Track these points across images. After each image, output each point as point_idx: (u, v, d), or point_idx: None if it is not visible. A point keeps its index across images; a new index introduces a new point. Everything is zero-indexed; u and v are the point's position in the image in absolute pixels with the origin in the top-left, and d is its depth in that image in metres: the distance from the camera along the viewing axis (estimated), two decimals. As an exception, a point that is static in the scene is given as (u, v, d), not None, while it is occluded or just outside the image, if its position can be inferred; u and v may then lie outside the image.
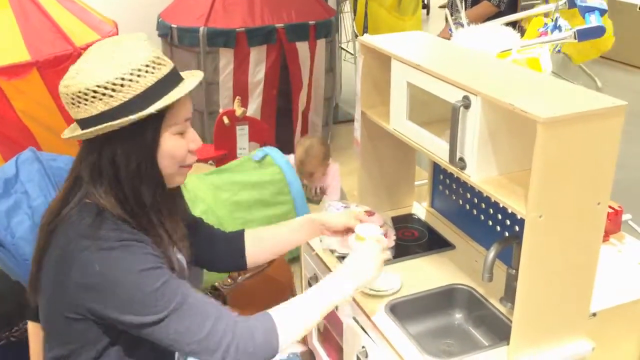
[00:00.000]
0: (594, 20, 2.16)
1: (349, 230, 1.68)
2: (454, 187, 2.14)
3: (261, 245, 1.67)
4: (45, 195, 1.90)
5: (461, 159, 1.59)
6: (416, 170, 2.34)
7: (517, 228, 1.83)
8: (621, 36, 4.24)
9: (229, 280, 2.47)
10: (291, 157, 3.13)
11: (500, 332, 1.68)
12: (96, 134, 1.25)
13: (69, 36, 3.13)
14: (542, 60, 2.09)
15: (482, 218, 1.99)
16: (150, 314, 1.23)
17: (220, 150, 3.51)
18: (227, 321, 1.28)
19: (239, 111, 3.44)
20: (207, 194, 2.68)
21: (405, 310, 1.76)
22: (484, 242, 1.99)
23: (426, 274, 1.91)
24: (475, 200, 2.02)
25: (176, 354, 1.44)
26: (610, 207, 1.98)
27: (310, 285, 2.10)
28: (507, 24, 2.45)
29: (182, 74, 1.35)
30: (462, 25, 2.69)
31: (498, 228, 1.92)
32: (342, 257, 1.94)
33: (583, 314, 1.58)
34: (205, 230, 1.67)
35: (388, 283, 1.82)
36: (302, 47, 4.10)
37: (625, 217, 2.13)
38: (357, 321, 1.80)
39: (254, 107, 4.08)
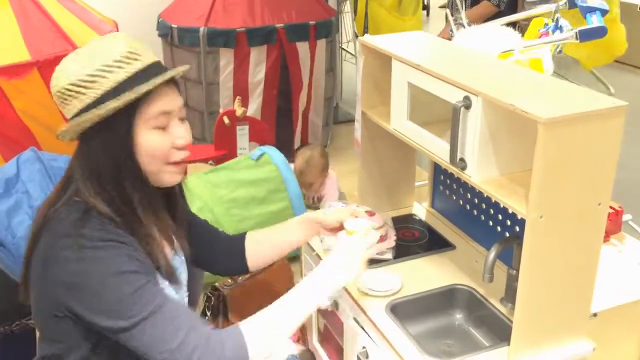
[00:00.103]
0: (595, 21, 2.15)
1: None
2: (455, 188, 2.14)
3: (260, 248, 1.66)
4: (46, 195, 1.88)
5: (462, 159, 1.59)
6: (416, 170, 2.34)
7: (517, 228, 1.83)
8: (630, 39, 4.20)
9: (230, 280, 2.47)
10: (290, 166, 3.14)
11: (500, 332, 1.68)
12: (73, 132, 1.26)
13: (69, 36, 3.13)
14: (545, 61, 2.09)
15: (483, 218, 1.99)
16: (123, 318, 1.20)
17: (221, 150, 3.51)
18: (200, 333, 1.25)
19: (239, 111, 3.44)
20: (203, 191, 2.68)
21: (405, 310, 1.76)
22: (485, 243, 1.99)
23: (426, 274, 1.91)
24: (476, 201, 2.02)
25: None
26: (610, 207, 1.98)
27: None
28: (508, 24, 2.45)
29: (173, 70, 1.33)
30: (463, 26, 2.69)
31: (498, 228, 1.92)
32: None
33: (584, 314, 1.58)
34: (206, 230, 1.66)
35: (388, 283, 1.82)
36: (303, 47, 4.10)
37: (626, 217, 2.13)
38: (357, 321, 1.80)
39: (254, 107, 4.08)
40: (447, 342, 1.79)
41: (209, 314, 2.44)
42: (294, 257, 2.81)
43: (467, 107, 1.52)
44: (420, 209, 2.32)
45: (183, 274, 1.47)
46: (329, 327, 2.12)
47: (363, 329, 1.78)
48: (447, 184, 2.18)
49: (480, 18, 3.64)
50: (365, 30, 5.03)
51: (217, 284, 2.48)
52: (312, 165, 3.21)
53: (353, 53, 5.78)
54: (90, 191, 1.28)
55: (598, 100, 1.42)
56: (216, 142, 3.51)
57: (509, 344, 1.55)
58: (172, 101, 1.30)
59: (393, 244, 2.00)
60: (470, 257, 1.99)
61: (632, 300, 1.77)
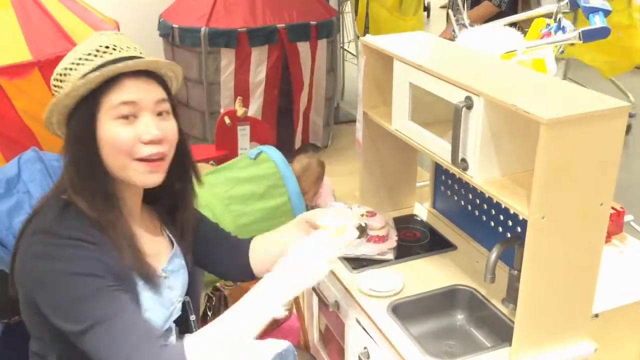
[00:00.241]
0: (598, 21, 2.15)
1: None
2: (456, 188, 2.13)
3: (260, 253, 1.63)
4: (47, 195, 1.89)
5: (463, 160, 1.58)
6: (418, 171, 2.34)
7: (519, 229, 1.83)
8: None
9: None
10: (288, 164, 3.14)
11: (502, 333, 1.68)
12: (56, 125, 1.32)
13: (70, 36, 3.13)
14: (547, 62, 2.09)
15: (484, 219, 1.99)
16: (72, 321, 1.18)
17: (222, 150, 3.51)
18: (150, 348, 1.19)
19: (240, 111, 3.44)
20: (202, 191, 2.68)
21: (407, 311, 1.76)
22: (486, 243, 1.99)
23: (428, 274, 1.91)
24: (477, 201, 2.02)
25: None
26: (612, 208, 1.98)
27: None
28: (509, 24, 2.45)
29: (140, 60, 1.29)
30: (465, 26, 2.69)
31: (500, 229, 1.92)
32: (346, 259, 1.94)
33: (585, 315, 1.58)
34: (210, 231, 1.66)
35: (390, 284, 1.82)
36: (304, 47, 4.10)
37: (627, 218, 2.13)
38: (358, 322, 1.80)
39: (255, 107, 4.08)
40: (449, 342, 1.79)
41: (210, 314, 2.44)
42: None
43: (469, 107, 1.52)
44: (422, 210, 2.32)
45: (180, 277, 1.45)
46: (330, 327, 2.12)
47: (364, 329, 1.77)
48: (448, 185, 2.18)
49: (481, 18, 3.64)
50: (366, 31, 5.03)
51: (218, 284, 2.48)
52: (308, 172, 3.21)
53: (354, 53, 5.78)
54: (71, 187, 1.27)
55: (600, 101, 1.42)
56: (217, 142, 3.51)
57: (510, 345, 1.54)
58: (140, 92, 1.25)
59: (394, 244, 2.01)
60: (472, 257, 1.99)
61: (633, 301, 1.77)
